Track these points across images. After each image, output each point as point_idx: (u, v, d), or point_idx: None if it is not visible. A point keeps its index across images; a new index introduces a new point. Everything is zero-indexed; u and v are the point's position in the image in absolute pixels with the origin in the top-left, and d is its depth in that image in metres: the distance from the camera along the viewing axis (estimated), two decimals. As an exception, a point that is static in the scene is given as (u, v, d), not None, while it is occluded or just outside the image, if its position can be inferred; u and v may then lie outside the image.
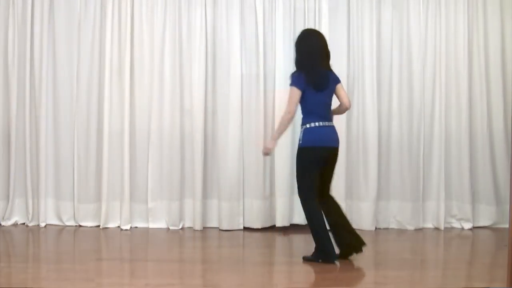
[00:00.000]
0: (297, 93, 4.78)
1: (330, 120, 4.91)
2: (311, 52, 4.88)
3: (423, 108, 6.19)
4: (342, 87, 4.98)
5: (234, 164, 6.06)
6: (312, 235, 4.88)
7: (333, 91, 4.92)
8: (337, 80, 4.94)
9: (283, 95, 6.00)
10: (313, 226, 4.84)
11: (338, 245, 4.89)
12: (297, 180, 4.92)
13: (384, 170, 6.19)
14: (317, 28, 6.08)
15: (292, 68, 6.05)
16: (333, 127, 4.90)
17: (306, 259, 4.90)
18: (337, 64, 6.07)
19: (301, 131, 4.88)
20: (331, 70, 4.93)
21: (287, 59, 6.08)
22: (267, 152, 5.03)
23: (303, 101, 4.83)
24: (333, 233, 4.89)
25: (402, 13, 6.19)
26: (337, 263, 4.80)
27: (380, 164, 6.15)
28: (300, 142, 4.86)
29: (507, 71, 6.22)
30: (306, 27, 6.11)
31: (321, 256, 4.84)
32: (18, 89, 6.05)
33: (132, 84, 6.09)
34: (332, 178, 5.00)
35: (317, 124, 4.81)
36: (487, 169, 6.23)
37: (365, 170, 6.12)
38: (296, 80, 4.81)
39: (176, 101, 6.10)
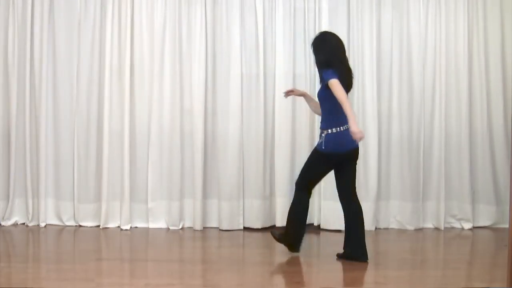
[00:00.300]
0: (339, 82, 4.62)
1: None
2: (338, 50, 4.85)
3: (423, 108, 6.19)
4: None
5: (234, 164, 6.05)
6: (287, 222, 5.01)
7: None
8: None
9: (283, 96, 6.03)
10: (294, 216, 4.94)
11: (343, 247, 4.95)
12: (303, 171, 4.95)
13: (384, 170, 6.19)
14: (317, 28, 6.10)
15: (292, 67, 6.11)
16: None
17: (274, 234, 5.13)
18: (337, 64, 6.10)
19: (325, 135, 4.77)
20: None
21: (287, 59, 6.09)
22: (362, 136, 4.67)
23: (330, 100, 4.70)
24: (345, 235, 4.98)
25: (402, 13, 6.18)
26: (296, 254, 5.04)
27: (380, 164, 6.15)
28: (323, 147, 4.77)
29: (507, 71, 6.22)
30: (306, 27, 6.14)
31: (287, 241, 5.02)
32: (18, 89, 6.05)
33: (132, 84, 6.08)
34: (355, 175, 4.97)
35: (342, 128, 4.72)
36: (487, 169, 6.23)
37: (365, 170, 6.12)
38: (333, 74, 4.67)
39: (176, 101, 6.10)
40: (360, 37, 6.14)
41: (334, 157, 4.78)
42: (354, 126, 4.56)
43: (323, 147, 4.78)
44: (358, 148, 4.88)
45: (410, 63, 6.18)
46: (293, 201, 5.00)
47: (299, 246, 5.04)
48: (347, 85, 4.79)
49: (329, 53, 4.81)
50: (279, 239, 5.11)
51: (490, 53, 6.24)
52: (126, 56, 6.03)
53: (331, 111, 4.76)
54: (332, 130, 4.76)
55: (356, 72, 6.12)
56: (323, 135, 4.81)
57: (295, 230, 4.99)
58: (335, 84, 4.64)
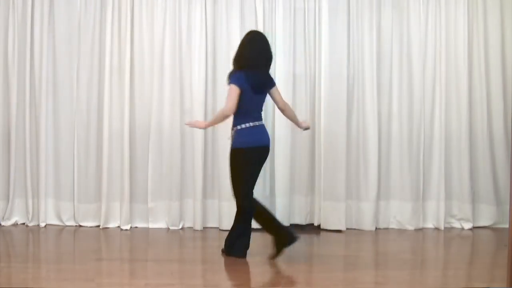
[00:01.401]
0: (236, 91, 4.80)
1: (261, 119, 4.97)
2: (255, 55, 4.94)
3: (423, 108, 6.19)
4: (278, 90, 5.04)
5: (234, 164, 6.04)
6: (237, 232, 4.95)
7: (266, 93, 5.00)
8: (273, 84, 5.02)
9: (283, 96, 6.04)
10: (245, 225, 4.93)
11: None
12: (232, 183, 4.94)
13: (384, 170, 6.19)
14: (317, 28, 6.11)
15: (292, 67, 6.11)
16: (263, 126, 4.98)
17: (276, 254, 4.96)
18: (337, 64, 6.10)
19: (233, 132, 4.91)
20: (268, 74, 5.02)
21: (287, 59, 6.09)
22: (193, 125, 5.18)
23: (239, 101, 4.83)
24: (268, 231, 5.00)
25: (402, 13, 6.19)
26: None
27: (380, 164, 6.15)
28: (234, 143, 4.89)
29: (507, 71, 6.22)
30: (306, 27, 6.14)
31: (284, 243, 4.93)
32: (18, 89, 6.05)
33: (132, 84, 6.08)
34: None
35: (249, 124, 4.86)
36: (487, 169, 6.23)
37: (365, 170, 6.12)
38: (236, 79, 4.83)
39: (176, 101, 6.10)
40: (360, 37, 6.14)
41: (249, 154, 4.89)
42: (204, 124, 5.11)
43: (234, 143, 4.90)
44: (268, 147, 4.98)
45: (410, 63, 6.19)
46: (244, 216, 4.94)
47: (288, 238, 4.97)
48: (255, 87, 4.87)
49: (247, 56, 4.90)
50: (278, 251, 4.95)
51: (490, 53, 6.24)
52: (126, 56, 6.03)
53: (240, 109, 4.85)
54: (239, 127, 4.87)
55: (356, 72, 6.15)
56: (233, 131, 4.94)
57: (248, 235, 4.97)
58: (230, 90, 4.82)
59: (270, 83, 5.00)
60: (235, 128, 4.90)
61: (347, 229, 6.06)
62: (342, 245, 5.61)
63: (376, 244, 5.71)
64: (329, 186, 6.04)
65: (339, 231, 5.99)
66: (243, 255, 4.95)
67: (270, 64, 5.03)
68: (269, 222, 4.98)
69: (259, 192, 6.06)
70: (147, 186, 6.12)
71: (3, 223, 6.05)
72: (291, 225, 6.12)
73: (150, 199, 6.12)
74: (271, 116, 6.10)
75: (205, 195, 6.11)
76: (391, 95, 6.20)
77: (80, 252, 5.35)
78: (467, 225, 6.19)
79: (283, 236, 4.94)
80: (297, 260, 4.93)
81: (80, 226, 6.11)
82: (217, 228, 6.09)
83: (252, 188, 4.94)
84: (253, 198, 4.96)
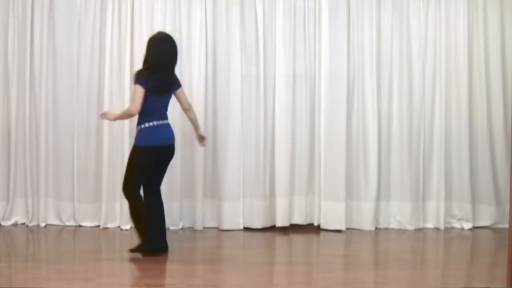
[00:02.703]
0: (142, 91, 4.93)
1: (166, 118, 5.09)
2: (161, 57, 5.07)
3: (423, 108, 6.19)
4: (183, 92, 5.25)
5: (234, 164, 6.05)
6: (138, 227, 5.02)
7: (172, 94, 5.17)
8: (178, 85, 5.19)
9: (283, 96, 6.04)
10: (142, 218, 5.01)
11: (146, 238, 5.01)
12: (126, 176, 5.04)
13: (384, 170, 6.18)
14: (317, 28, 6.10)
15: (292, 67, 6.11)
16: (168, 125, 5.09)
17: (133, 251, 4.99)
18: (337, 64, 6.10)
19: (138, 130, 5.01)
20: (174, 75, 5.17)
21: (287, 59, 6.09)
22: (105, 117, 5.23)
23: (143, 100, 4.96)
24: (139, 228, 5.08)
25: (402, 13, 6.18)
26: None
27: (380, 164, 6.15)
28: (137, 141, 5.01)
29: (507, 71, 6.22)
30: (306, 27, 6.14)
31: (151, 246, 4.98)
32: (18, 88, 6.04)
33: (132, 84, 6.07)
34: (165, 173, 5.23)
35: (153, 123, 4.99)
36: (487, 169, 6.22)
37: (365, 170, 6.12)
38: (142, 80, 4.96)
39: (176, 101, 6.07)
40: (360, 37, 6.13)
41: (150, 153, 5.00)
42: (112, 116, 5.16)
43: (137, 141, 5.01)
44: (172, 145, 5.12)
45: (410, 63, 6.18)
46: (134, 208, 5.03)
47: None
48: (158, 87, 5.01)
49: (154, 58, 5.05)
50: (144, 249, 5.01)
51: (490, 53, 6.23)
52: (126, 56, 6.03)
53: (143, 108, 4.97)
54: (142, 126, 5.00)
55: (356, 72, 6.15)
56: (138, 129, 5.03)
57: (154, 228, 5.07)
58: (136, 90, 4.96)
59: (176, 84, 5.17)
60: (139, 127, 5.02)
61: (347, 229, 6.06)
62: (342, 245, 5.61)
63: (376, 244, 5.71)
64: (329, 186, 6.04)
65: (339, 231, 5.98)
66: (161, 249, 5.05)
67: (175, 66, 5.17)
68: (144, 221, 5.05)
69: (259, 192, 6.08)
70: (147, 186, 6.11)
71: (3, 223, 6.05)
72: (291, 225, 6.12)
73: (150, 199, 6.11)
74: (271, 116, 6.11)
75: (205, 195, 6.10)
76: (391, 95, 6.19)
77: (80, 252, 5.35)
78: (467, 225, 6.18)
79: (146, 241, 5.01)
80: (297, 260, 4.93)
81: (80, 226, 6.11)
82: (217, 228, 6.09)
83: (139, 185, 5.06)
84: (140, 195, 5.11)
